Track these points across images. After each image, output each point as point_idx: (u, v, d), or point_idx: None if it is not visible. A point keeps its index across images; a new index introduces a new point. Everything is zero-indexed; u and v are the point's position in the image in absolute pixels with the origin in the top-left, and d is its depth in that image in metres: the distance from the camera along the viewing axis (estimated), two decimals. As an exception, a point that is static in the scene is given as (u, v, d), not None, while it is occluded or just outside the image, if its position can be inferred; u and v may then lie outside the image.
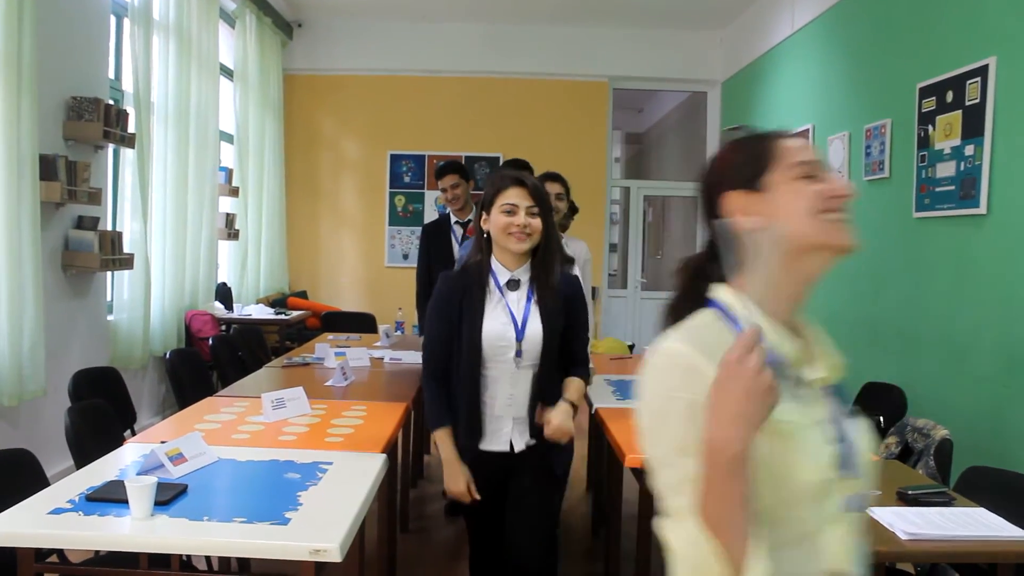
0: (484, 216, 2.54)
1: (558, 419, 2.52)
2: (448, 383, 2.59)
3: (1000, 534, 2.12)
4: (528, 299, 2.54)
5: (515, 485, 2.62)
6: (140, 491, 2.02)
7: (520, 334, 2.51)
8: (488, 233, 2.55)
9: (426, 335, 2.63)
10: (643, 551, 3.11)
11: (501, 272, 2.55)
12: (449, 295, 2.55)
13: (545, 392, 2.57)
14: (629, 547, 3.48)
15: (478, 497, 2.53)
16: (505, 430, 2.57)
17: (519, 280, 2.55)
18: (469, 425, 2.55)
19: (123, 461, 2.54)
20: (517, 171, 2.60)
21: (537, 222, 2.49)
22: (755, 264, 1.20)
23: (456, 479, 2.53)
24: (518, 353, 2.50)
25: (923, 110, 4.59)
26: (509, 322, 2.51)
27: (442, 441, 2.54)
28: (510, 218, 2.47)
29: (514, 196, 2.48)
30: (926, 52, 4.66)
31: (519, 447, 2.57)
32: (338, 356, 4.30)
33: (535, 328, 2.52)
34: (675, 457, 1.10)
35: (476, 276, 2.54)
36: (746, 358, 1.03)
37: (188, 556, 2.36)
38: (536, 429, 2.56)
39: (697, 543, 1.05)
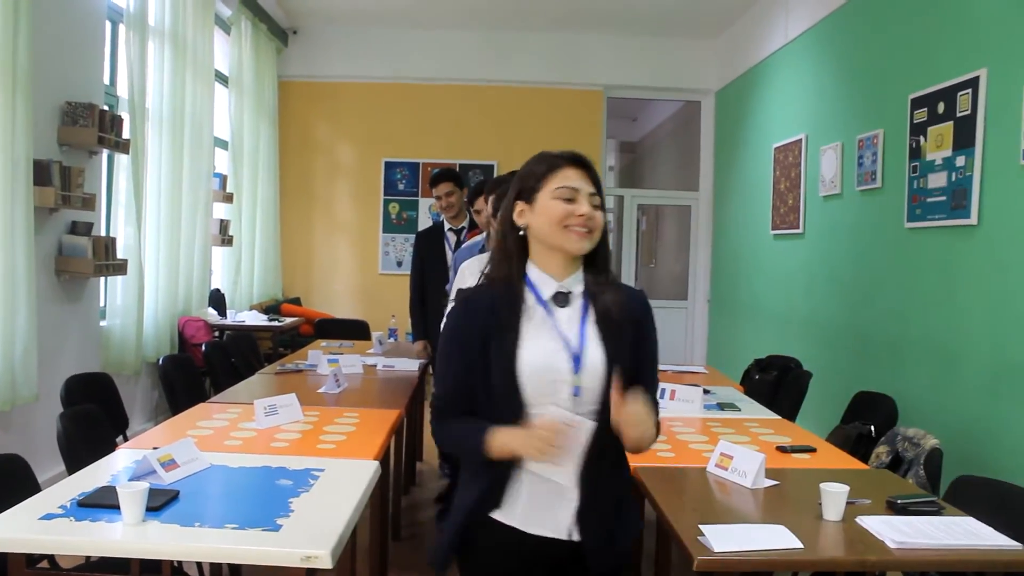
0: (520, 207, 1.88)
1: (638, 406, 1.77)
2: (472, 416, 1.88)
3: (988, 543, 2.14)
4: (583, 318, 1.86)
5: None
6: (132, 497, 2.02)
7: (577, 365, 1.81)
8: (524, 231, 1.88)
9: (437, 374, 1.96)
10: (634, 560, 3.12)
11: (544, 283, 1.87)
12: (468, 317, 1.86)
13: (608, 451, 1.85)
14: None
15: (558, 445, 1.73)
16: (565, 511, 1.82)
17: (568, 293, 1.87)
18: (505, 494, 1.83)
19: (115, 467, 2.54)
20: (570, 151, 1.91)
21: (600, 216, 1.87)
22: None
23: (529, 439, 1.74)
24: (576, 391, 1.80)
25: (915, 121, 4.62)
26: (561, 347, 1.81)
27: (496, 439, 1.77)
28: (570, 206, 1.81)
29: (574, 178, 1.84)
30: (918, 63, 4.69)
31: (579, 535, 1.82)
32: (331, 363, 4.31)
33: (596, 356, 1.82)
34: None
35: (505, 290, 1.86)
36: None
37: (179, 562, 2.36)
38: (599, 507, 1.84)
39: None
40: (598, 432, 1.81)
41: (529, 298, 1.86)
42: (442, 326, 1.97)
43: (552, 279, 1.87)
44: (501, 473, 1.83)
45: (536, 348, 1.81)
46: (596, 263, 1.90)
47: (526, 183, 1.88)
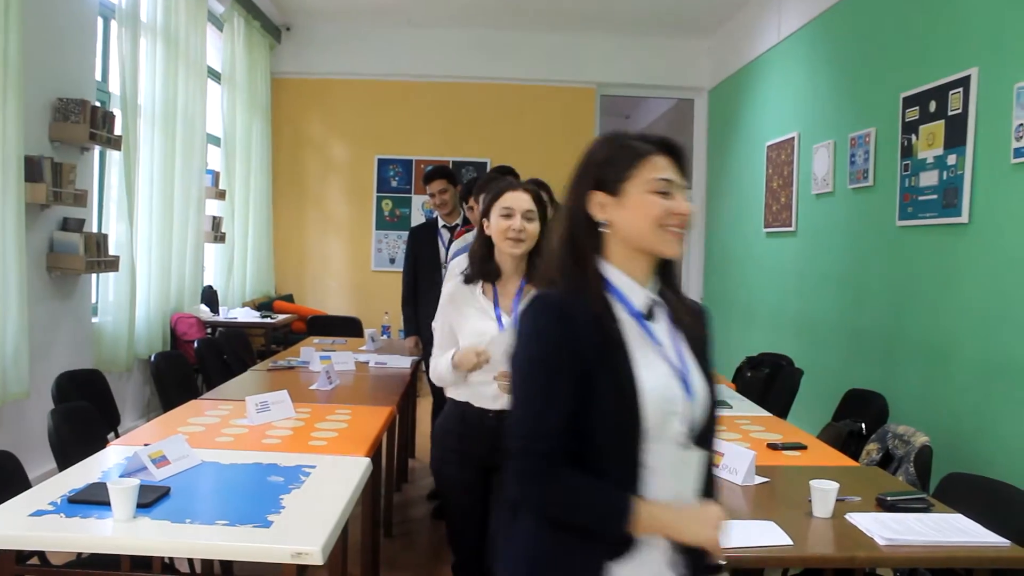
0: (599, 199, 1.53)
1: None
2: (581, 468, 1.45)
3: (976, 539, 2.15)
4: (673, 336, 1.55)
5: None
6: (122, 493, 2.02)
7: (689, 391, 1.50)
8: (603, 225, 1.53)
9: (531, 402, 1.47)
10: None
11: (632, 291, 1.53)
12: (571, 330, 1.45)
13: (710, 488, 1.59)
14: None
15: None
16: (656, 557, 1.47)
17: (653, 304, 1.55)
18: (610, 545, 1.45)
19: (106, 463, 2.54)
20: (656, 135, 1.60)
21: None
22: None
23: (703, 522, 1.45)
24: (689, 424, 1.49)
25: (907, 119, 4.64)
26: (671, 373, 1.50)
27: (646, 518, 1.42)
28: (668, 202, 1.50)
29: (667, 168, 1.53)
30: (910, 62, 4.71)
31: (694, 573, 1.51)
32: (323, 360, 4.31)
33: (699, 380, 1.53)
34: None
35: (596, 300, 1.49)
36: None
37: (170, 558, 2.36)
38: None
39: None
40: (704, 466, 1.55)
41: (617, 309, 1.51)
42: (515, 338, 1.52)
43: (639, 287, 1.54)
44: (629, 542, 1.46)
45: (654, 373, 1.47)
46: (669, 268, 1.59)
47: (607, 172, 1.53)
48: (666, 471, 1.46)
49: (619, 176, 1.51)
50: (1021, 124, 3.65)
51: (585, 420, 1.44)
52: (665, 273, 1.58)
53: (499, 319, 2.64)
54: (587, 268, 1.52)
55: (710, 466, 1.57)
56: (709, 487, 1.58)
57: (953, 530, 2.20)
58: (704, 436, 1.52)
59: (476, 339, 2.60)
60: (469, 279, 2.70)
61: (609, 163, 1.53)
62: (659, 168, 1.51)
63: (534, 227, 2.62)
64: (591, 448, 1.44)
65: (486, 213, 2.68)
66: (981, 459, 3.85)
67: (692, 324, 1.57)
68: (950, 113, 4.21)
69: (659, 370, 1.48)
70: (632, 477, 1.44)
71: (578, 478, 1.44)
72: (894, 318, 4.80)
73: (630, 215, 1.50)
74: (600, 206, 1.52)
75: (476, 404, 2.64)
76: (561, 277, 1.53)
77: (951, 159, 4.19)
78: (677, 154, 1.55)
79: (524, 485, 1.47)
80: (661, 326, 1.54)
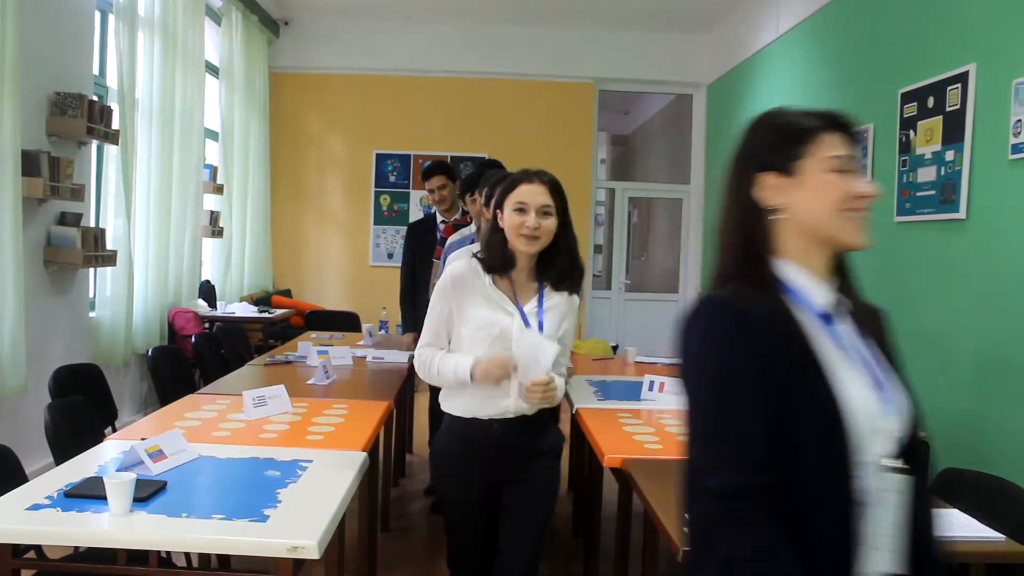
0: (771, 180, 1.35)
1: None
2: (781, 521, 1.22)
3: (972, 535, 2.15)
4: (861, 341, 1.36)
5: None
6: (119, 487, 2.02)
7: (891, 405, 1.31)
8: (776, 211, 1.34)
9: (715, 426, 1.28)
10: (621, 551, 3.13)
11: (812, 290, 1.34)
12: (760, 337, 1.25)
13: (926, 516, 1.36)
14: (609, 546, 3.50)
15: None
16: None
17: (837, 304, 1.36)
18: None
19: (103, 458, 2.54)
20: (826, 110, 1.38)
21: None
22: None
23: None
24: (894, 443, 1.29)
25: (905, 115, 4.64)
26: (870, 383, 1.30)
27: None
28: (848, 184, 1.32)
29: (842, 145, 1.33)
30: (908, 58, 4.70)
31: None
32: (320, 355, 4.30)
33: (900, 391, 1.34)
34: None
35: (770, 300, 1.30)
36: None
37: (167, 552, 2.36)
38: None
39: None
40: (917, 492, 1.32)
41: (798, 312, 1.30)
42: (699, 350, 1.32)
43: (820, 285, 1.34)
44: None
45: (854, 384, 1.27)
46: (844, 263, 1.40)
47: (775, 150, 1.35)
48: (874, 501, 1.25)
49: (793, 153, 1.33)
50: (1019, 120, 3.65)
51: (779, 448, 1.21)
52: (841, 269, 1.39)
53: (521, 315, 2.43)
54: (763, 263, 1.33)
55: (924, 492, 1.34)
56: (924, 515, 1.34)
57: (949, 525, 2.20)
58: (910, 456, 1.30)
59: (484, 329, 2.41)
60: (491, 268, 2.45)
61: (777, 141, 1.36)
62: (833, 145, 1.32)
63: (550, 223, 2.40)
64: (788, 483, 1.22)
65: (499, 205, 2.48)
66: (978, 454, 3.85)
67: (875, 327, 1.39)
68: (948, 109, 4.21)
69: (857, 381, 1.27)
70: (844, 513, 1.23)
71: (781, 542, 1.19)
72: (891, 314, 4.79)
73: (810, 197, 1.31)
74: (773, 189, 1.34)
75: (481, 415, 2.46)
76: (732, 276, 1.33)
77: (949, 155, 4.19)
78: (848, 129, 1.35)
79: (712, 534, 1.23)
80: (847, 330, 1.34)
